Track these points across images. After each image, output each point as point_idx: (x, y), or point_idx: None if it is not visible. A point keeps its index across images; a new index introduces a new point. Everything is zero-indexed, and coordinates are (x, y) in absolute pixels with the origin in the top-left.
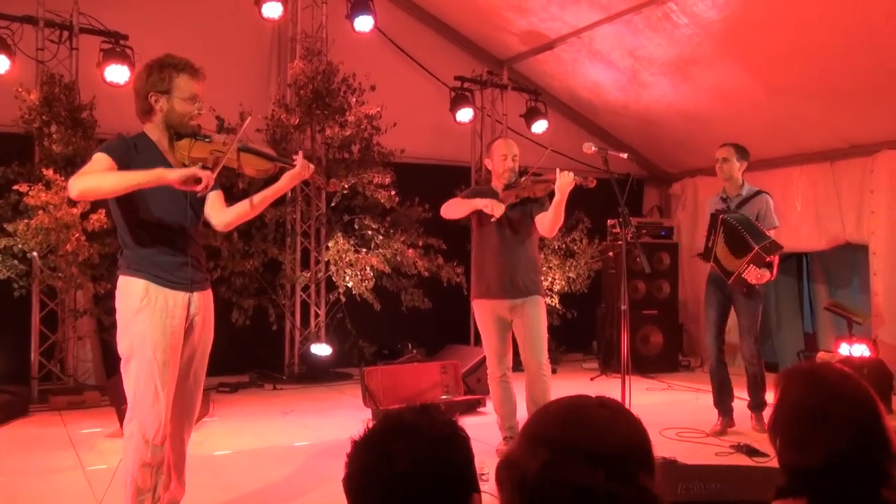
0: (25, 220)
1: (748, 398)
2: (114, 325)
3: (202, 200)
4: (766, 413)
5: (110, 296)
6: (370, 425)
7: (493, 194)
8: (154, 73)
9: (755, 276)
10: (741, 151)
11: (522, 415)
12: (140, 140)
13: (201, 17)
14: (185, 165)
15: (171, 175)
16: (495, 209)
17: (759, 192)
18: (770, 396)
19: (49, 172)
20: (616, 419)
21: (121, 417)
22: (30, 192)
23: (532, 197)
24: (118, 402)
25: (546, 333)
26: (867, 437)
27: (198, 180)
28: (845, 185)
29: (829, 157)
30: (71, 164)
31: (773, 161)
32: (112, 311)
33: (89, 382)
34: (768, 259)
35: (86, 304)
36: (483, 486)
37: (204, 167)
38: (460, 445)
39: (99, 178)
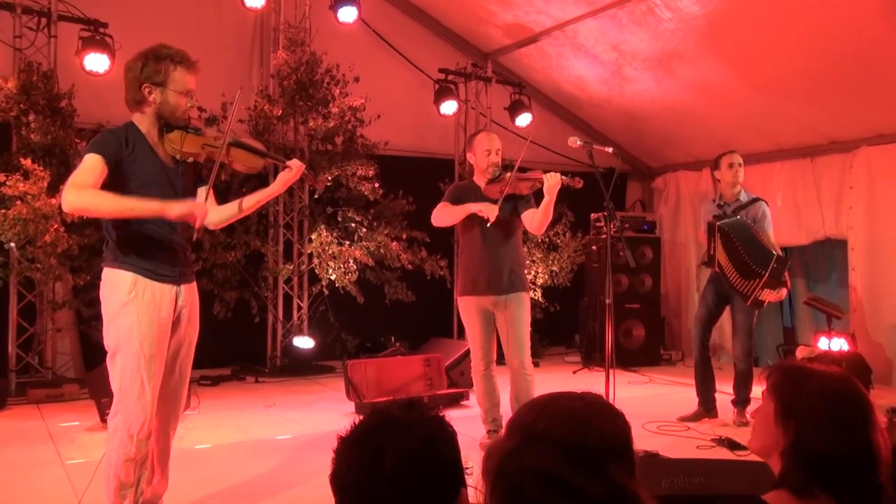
0: (3, 211)
1: (733, 393)
2: (93, 318)
3: (192, 197)
4: (749, 409)
5: (89, 287)
6: (357, 421)
7: (476, 190)
8: (150, 63)
9: (773, 296)
10: None
11: (506, 409)
12: (130, 131)
13: (183, 6)
14: (175, 159)
15: (173, 210)
16: (490, 213)
17: (756, 200)
18: (756, 391)
19: (27, 162)
20: (590, 411)
21: (100, 410)
22: (7, 182)
23: (517, 194)
24: (98, 395)
25: (529, 331)
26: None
27: (193, 215)
28: (825, 180)
29: (809, 153)
30: (49, 154)
31: (754, 156)
32: (91, 303)
33: (68, 375)
34: (781, 281)
35: (65, 296)
36: (467, 480)
37: (201, 170)
38: (448, 442)
39: (96, 199)
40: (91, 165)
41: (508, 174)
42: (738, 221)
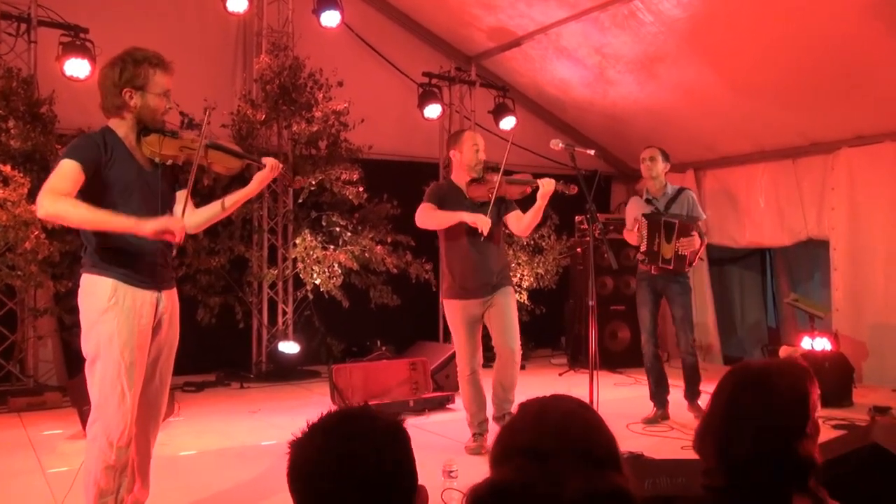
0: None
1: (684, 388)
2: (75, 325)
3: (171, 201)
4: (702, 401)
5: (71, 294)
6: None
7: (457, 191)
8: (129, 67)
9: (687, 245)
10: (664, 154)
11: (491, 410)
12: (107, 136)
13: (164, 11)
14: (153, 162)
15: (147, 227)
16: (484, 227)
17: (682, 190)
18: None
19: (7, 168)
20: (599, 417)
21: (83, 418)
22: None
23: (506, 198)
24: (80, 403)
25: (517, 320)
26: (778, 441)
27: (171, 232)
28: (807, 182)
29: (791, 155)
30: (30, 160)
31: (736, 158)
32: (73, 311)
33: (50, 383)
34: (692, 229)
35: (46, 303)
36: (452, 483)
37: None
38: (393, 439)
39: (71, 208)
40: (68, 171)
41: (495, 177)
42: (678, 215)
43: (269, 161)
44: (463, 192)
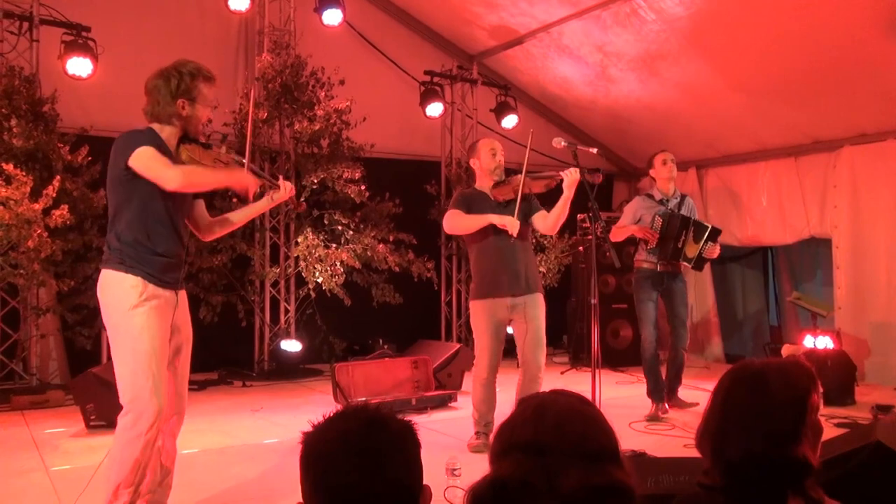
0: None
1: (667, 382)
2: (78, 323)
3: (192, 206)
4: (685, 395)
5: (74, 293)
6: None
7: (484, 196)
8: (186, 80)
9: (712, 251)
10: None
11: (502, 411)
12: (155, 137)
13: (166, 9)
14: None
15: (245, 178)
16: (512, 227)
17: (685, 196)
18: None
19: (9, 167)
20: (598, 412)
21: (85, 416)
22: None
23: (530, 193)
24: (83, 401)
25: (545, 334)
26: (771, 441)
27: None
28: (809, 180)
29: (793, 153)
30: (32, 159)
31: (738, 156)
32: (76, 309)
33: (53, 381)
34: (718, 237)
35: (49, 302)
36: (455, 481)
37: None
38: (408, 438)
39: (193, 171)
40: (155, 153)
41: (517, 177)
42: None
43: (284, 184)
44: (488, 196)
